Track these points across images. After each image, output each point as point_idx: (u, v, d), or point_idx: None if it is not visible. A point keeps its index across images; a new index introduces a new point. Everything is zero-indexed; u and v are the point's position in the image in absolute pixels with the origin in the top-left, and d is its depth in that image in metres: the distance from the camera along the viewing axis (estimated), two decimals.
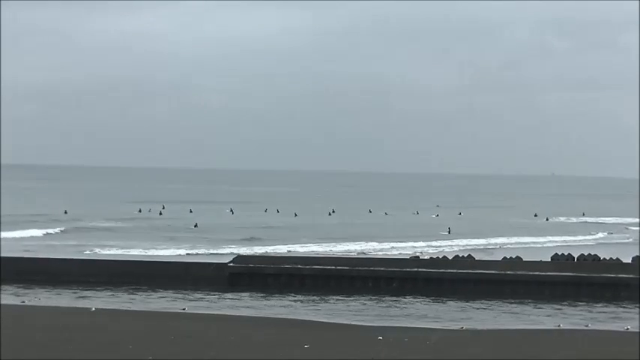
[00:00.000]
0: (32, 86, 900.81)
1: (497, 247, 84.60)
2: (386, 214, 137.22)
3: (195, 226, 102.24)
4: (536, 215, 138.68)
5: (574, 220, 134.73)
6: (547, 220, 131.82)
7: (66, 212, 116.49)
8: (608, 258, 56.53)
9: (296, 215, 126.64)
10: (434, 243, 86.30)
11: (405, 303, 45.58)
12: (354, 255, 71.11)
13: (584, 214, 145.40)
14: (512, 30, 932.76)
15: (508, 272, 49.24)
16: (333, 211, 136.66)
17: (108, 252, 70.63)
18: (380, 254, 72.94)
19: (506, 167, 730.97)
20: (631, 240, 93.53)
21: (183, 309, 41.60)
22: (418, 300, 46.48)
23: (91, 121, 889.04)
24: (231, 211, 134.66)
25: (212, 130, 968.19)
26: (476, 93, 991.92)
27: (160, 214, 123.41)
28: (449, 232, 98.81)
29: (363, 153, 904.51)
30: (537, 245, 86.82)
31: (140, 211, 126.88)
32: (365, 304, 45.06)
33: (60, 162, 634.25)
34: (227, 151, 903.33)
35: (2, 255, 54.16)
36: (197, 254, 70.26)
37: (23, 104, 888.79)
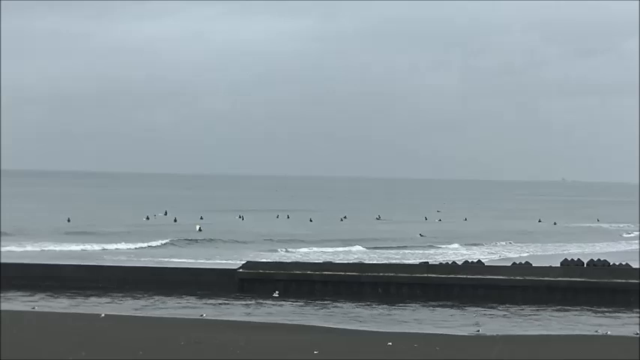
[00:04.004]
0: (34, 90, 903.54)
1: (504, 253, 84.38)
2: (377, 218, 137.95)
3: (199, 230, 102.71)
4: (540, 221, 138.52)
5: (583, 224, 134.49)
6: (555, 224, 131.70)
7: (69, 220, 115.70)
8: (617, 263, 56.42)
9: (311, 221, 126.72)
10: (439, 250, 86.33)
11: (415, 309, 45.53)
12: (363, 261, 71.03)
13: (598, 220, 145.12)
14: (514, 33, 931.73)
15: (518, 278, 49.14)
16: (345, 217, 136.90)
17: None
18: (389, 260, 72.89)
19: (517, 173, 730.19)
20: None
21: (202, 315, 41.59)
22: (428, 306, 46.42)
23: (92, 126, 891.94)
24: (241, 217, 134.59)
25: (213, 135, 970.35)
26: (478, 98, 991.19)
27: (175, 220, 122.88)
28: (420, 236, 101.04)
29: (366, 157, 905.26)
30: (541, 252, 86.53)
31: (147, 218, 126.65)
32: (374, 309, 45.03)
33: (60, 167, 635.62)
34: (228, 157, 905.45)
35: (15, 262, 54.47)
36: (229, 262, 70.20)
37: (25, 108, 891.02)
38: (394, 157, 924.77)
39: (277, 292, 48.71)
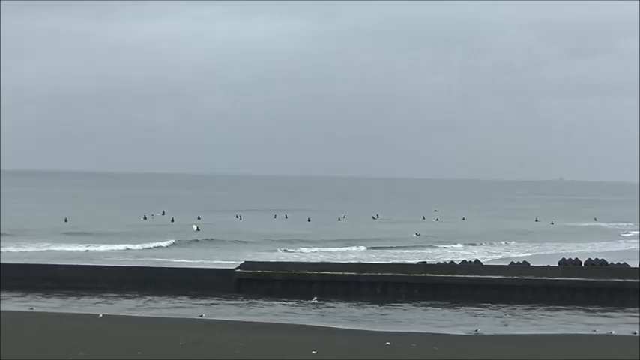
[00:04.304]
0: (34, 90, 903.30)
1: (502, 253, 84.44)
2: (374, 217, 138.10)
3: (196, 230, 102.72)
4: (537, 220, 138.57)
5: (581, 224, 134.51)
6: (552, 223, 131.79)
7: (66, 220, 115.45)
8: (615, 263, 56.46)
9: (309, 221, 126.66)
10: (437, 249, 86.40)
11: (413, 308, 45.54)
12: (361, 260, 71.06)
13: (595, 220, 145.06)
14: (514, 33, 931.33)
15: (516, 277, 49.15)
16: (344, 217, 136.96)
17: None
18: (387, 260, 72.92)
19: (516, 173, 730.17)
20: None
21: (201, 315, 41.60)
22: (426, 305, 46.43)
23: (92, 126, 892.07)
24: (239, 217, 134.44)
25: (213, 135, 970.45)
26: (478, 98, 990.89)
27: (172, 220, 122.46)
28: (416, 235, 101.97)
29: (366, 157, 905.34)
30: (539, 251, 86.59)
31: (145, 218, 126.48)
32: (372, 309, 45.04)
33: (60, 167, 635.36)
34: (228, 157, 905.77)
35: (12, 262, 54.47)
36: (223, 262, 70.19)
37: (25, 108, 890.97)
38: (394, 157, 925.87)
39: (316, 297, 48.02)
